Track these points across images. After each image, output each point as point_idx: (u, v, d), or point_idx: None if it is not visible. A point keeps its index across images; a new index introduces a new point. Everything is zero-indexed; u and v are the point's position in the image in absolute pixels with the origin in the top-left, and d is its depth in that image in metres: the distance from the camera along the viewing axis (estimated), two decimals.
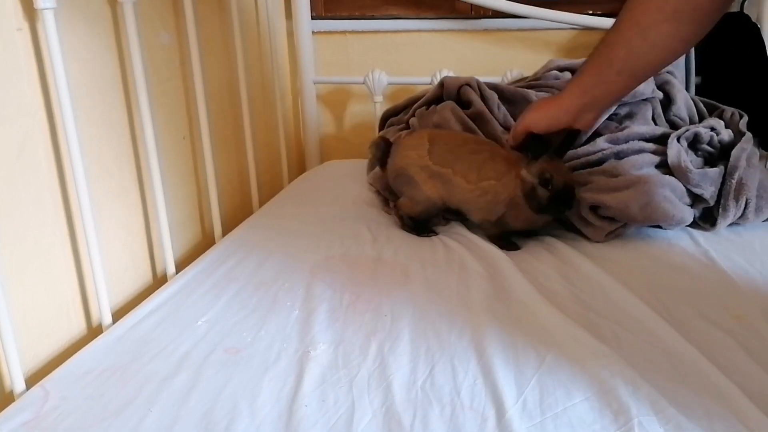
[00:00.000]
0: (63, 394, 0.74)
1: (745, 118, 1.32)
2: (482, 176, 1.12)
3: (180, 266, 1.12)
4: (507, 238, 1.13)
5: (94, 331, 0.98)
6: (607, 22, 1.58)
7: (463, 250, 1.10)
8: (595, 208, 1.14)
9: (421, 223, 1.20)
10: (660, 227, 1.16)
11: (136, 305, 0.96)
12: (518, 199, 1.08)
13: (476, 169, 1.12)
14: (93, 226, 0.92)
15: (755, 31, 1.48)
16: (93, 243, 0.92)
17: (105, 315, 0.95)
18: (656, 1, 0.89)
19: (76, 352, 0.84)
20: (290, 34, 1.77)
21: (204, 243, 1.31)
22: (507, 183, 1.09)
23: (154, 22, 1.13)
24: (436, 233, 1.18)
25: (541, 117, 1.06)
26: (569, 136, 1.08)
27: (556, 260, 1.07)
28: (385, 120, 1.58)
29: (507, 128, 1.44)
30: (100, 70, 1.00)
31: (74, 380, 0.77)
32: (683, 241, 1.13)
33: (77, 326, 0.97)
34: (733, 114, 1.35)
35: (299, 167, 1.87)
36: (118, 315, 0.96)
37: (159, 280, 1.15)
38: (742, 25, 1.49)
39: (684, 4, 0.88)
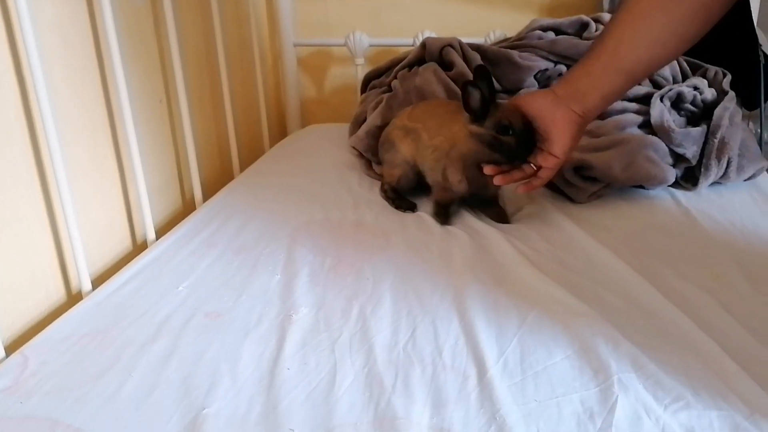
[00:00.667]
0: (42, 359, 0.74)
1: (728, 77, 1.32)
2: (438, 132, 1.08)
3: (160, 232, 1.10)
4: (446, 213, 1.09)
5: (73, 298, 0.97)
6: None
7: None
8: (578, 169, 1.13)
9: (402, 197, 1.16)
10: (642, 187, 1.16)
11: (116, 272, 0.95)
12: (457, 155, 1.04)
13: (438, 125, 1.09)
14: (69, 192, 0.90)
15: None
16: (69, 209, 0.91)
17: (84, 281, 0.94)
18: None
19: (55, 319, 0.83)
20: None
21: (184, 209, 1.30)
22: (450, 138, 1.06)
23: None
24: (414, 210, 1.14)
25: (528, 99, 0.99)
26: (481, 74, 0.99)
27: (539, 222, 1.07)
28: (367, 82, 1.56)
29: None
30: (71, 33, 0.97)
31: (53, 346, 0.76)
32: (665, 201, 1.14)
33: (56, 293, 0.95)
34: (716, 73, 1.34)
35: (280, 131, 1.85)
36: (97, 282, 0.95)
37: (139, 247, 1.13)
38: None
39: None
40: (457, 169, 1.05)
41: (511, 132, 0.96)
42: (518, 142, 0.96)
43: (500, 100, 1.00)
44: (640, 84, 1.33)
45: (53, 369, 0.72)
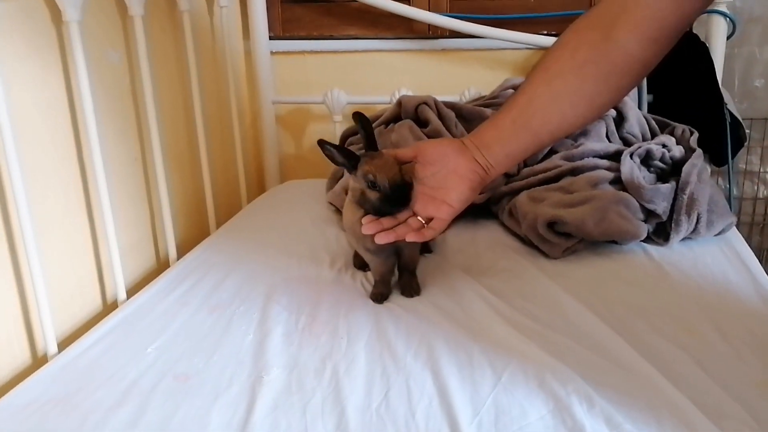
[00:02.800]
0: (3, 427, 0.71)
1: (696, 135, 1.35)
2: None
3: (132, 292, 1.09)
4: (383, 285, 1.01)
5: (39, 361, 0.94)
6: None
7: (419, 272, 1.09)
8: (551, 225, 1.15)
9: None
10: (615, 242, 1.17)
11: (85, 333, 0.93)
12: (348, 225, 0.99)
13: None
14: (36, 251, 0.89)
15: (704, 50, 1.52)
16: (36, 269, 0.89)
17: (50, 344, 0.92)
18: (569, 48, 0.83)
19: (19, 383, 0.81)
20: (248, 53, 1.76)
21: (158, 267, 1.28)
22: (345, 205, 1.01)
23: (102, 41, 1.11)
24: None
25: (433, 144, 0.95)
26: (362, 123, 0.95)
27: (513, 277, 1.07)
28: (345, 139, 1.58)
29: None
30: (44, 91, 0.97)
31: (15, 412, 0.74)
32: (638, 256, 1.15)
33: (21, 357, 0.93)
34: (684, 131, 1.38)
35: (259, 187, 1.85)
36: (65, 344, 0.92)
37: (109, 307, 1.11)
38: (692, 44, 1.53)
39: (595, 56, 0.80)
40: (348, 233, 1.01)
41: (377, 187, 0.89)
42: (382, 198, 0.89)
43: (386, 150, 0.93)
44: (610, 141, 1.36)
45: None
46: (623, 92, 0.86)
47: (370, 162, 0.90)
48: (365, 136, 0.95)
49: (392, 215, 0.90)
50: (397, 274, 1.04)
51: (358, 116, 0.96)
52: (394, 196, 0.89)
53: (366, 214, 0.93)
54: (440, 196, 0.89)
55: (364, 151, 0.94)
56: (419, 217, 0.90)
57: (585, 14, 0.83)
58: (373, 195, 0.90)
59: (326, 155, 0.91)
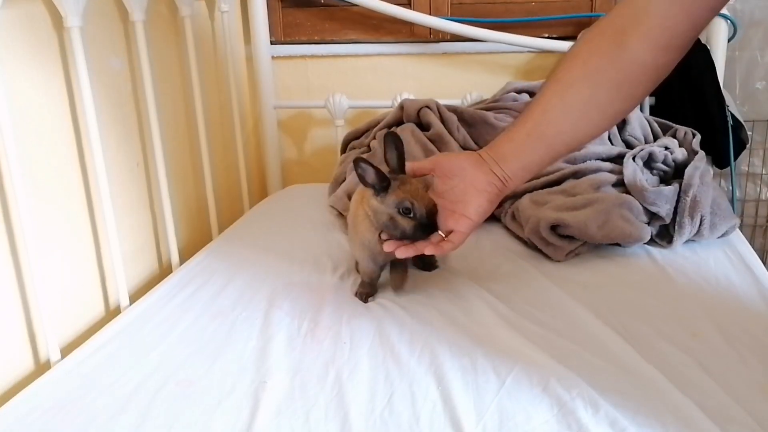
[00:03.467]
0: None
1: (698, 137, 1.35)
2: (353, 210, 1.02)
3: (134, 298, 1.09)
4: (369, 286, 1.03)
5: (42, 368, 0.94)
6: (562, 45, 1.61)
7: (422, 275, 1.09)
8: (554, 228, 1.14)
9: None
10: (619, 245, 1.17)
11: (88, 339, 0.93)
12: (359, 241, 0.99)
13: (355, 201, 1.02)
14: (37, 257, 0.89)
15: (705, 52, 1.52)
16: (38, 276, 0.89)
17: (53, 350, 0.92)
18: (581, 57, 0.83)
19: (22, 389, 0.81)
20: (249, 59, 1.76)
21: (161, 273, 1.28)
22: (352, 219, 1.01)
23: (104, 47, 1.11)
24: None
25: (452, 157, 0.95)
26: (395, 143, 0.94)
27: (516, 280, 1.06)
28: (347, 143, 1.58)
29: (466, 149, 1.45)
30: (46, 97, 0.97)
31: (17, 419, 0.74)
32: (641, 258, 1.14)
33: (24, 363, 0.93)
34: (686, 133, 1.38)
35: (261, 192, 1.85)
36: (67, 350, 0.92)
37: (112, 313, 1.11)
38: (693, 46, 1.52)
39: (607, 64, 0.80)
40: (360, 249, 1.00)
41: (411, 215, 0.89)
42: (416, 226, 0.90)
43: (405, 176, 0.93)
44: (612, 144, 1.36)
45: None
46: (636, 101, 0.86)
47: (403, 188, 0.90)
48: (396, 157, 0.93)
49: (417, 239, 0.91)
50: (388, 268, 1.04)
51: (390, 136, 0.94)
52: (429, 224, 0.90)
53: (390, 236, 0.93)
54: (459, 210, 0.90)
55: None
56: (440, 232, 0.91)
57: (596, 23, 0.83)
58: (406, 222, 0.90)
59: (357, 173, 0.90)
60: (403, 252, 0.91)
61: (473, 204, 0.89)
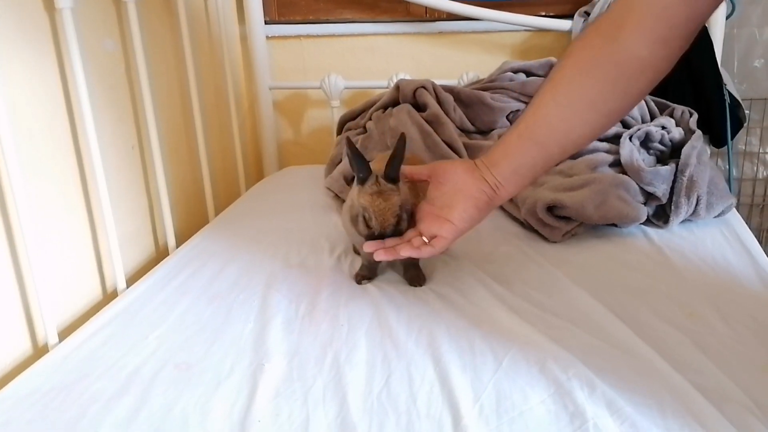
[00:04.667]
0: (5, 418, 0.71)
1: (695, 116, 1.34)
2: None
3: (131, 281, 1.08)
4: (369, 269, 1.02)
5: (40, 351, 0.94)
6: (559, 24, 1.60)
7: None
8: (551, 209, 1.14)
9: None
10: (615, 225, 1.17)
11: (85, 322, 0.93)
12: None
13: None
14: (35, 242, 0.89)
15: (703, 31, 1.51)
16: (35, 259, 0.89)
17: (50, 334, 0.92)
18: (575, 54, 0.79)
19: (20, 373, 0.81)
20: (244, 39, 1.74)
21: (157, 256, 1.28)
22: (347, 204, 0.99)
23: (97, 29, 1.09)
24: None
25: (445, 164, 0.92)
26: (397, 147, 0.90)
27: (513, 262, 1.07)
28: (343, 124, 1.57)
29: (463, 130, 1.44)
30: (38, 79, 0.96)
31: (16, 403, 0.74)
32: (638, 239, 1.15)
33: (22, 347, 0.93)
34: (683, 112, 1.37)
35: (257, 174, 1.85)
36: (65, 333, 0.92)
37: (109, 296, 1.11)
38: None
39: (599, 59, 0.77)
40: (350, 232, 0.98)
41: (367, 225, 0.89)
42: (369, 236, 0.89)
43: (385, 186, 0.89)
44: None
45: (16, 428, 0.69)
46: (633, 98, 0.81)
47: (375, 197, 0.88)
48: (392, 158, 0.90)
49: (375, 239, 0.89)
50: (402, 269, 1.03)
51: (400, 139, 0.91)
52: (380, 238, 0.89)
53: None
54: (444, 215, 0.87)
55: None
56: (423, 237, 0.88)
57: (592, 21, 0.80)
58: (363, 229, 0.90)
59: (347, 154, 0.90)
60: (382, 255, 0.87)
61: (458, 209, 0.86)
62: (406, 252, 0.86)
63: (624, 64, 0.76)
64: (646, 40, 0.74)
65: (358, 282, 1.00)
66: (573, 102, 0.80)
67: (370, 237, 0.90)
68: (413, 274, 1.01)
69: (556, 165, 0.89)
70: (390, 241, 0.89)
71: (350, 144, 0.89)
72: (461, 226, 0.86)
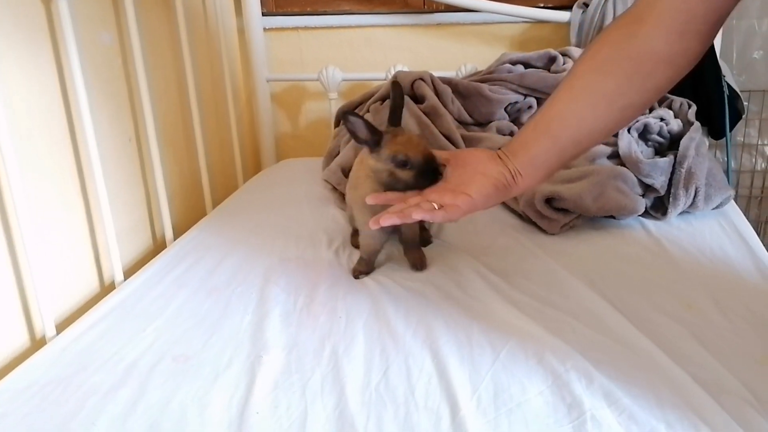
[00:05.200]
0: (1, 410, 0.71)
1: (694, 108, 1.34)
2: (353, 174, 1.03)
3: (129, 273, 1.08)
4: (367, 264, 1.02)
5: (37, 344, 0.94)
6: (558, 15, 1.59)
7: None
8: (549, 201, 1.14)
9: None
10: (613, 217, 1.17)
11: (83, 315, 0.93)
12: (360, 199, 0.96)
13: (356, 165, 1.04)
14: (32, 235, 0.88)
15: None
16: (33, 252, 0.89)
17: (48, 326, 0.92)
18: (594, 49, 0.79)
19: (18, 366, 0.81)
20: (241, 31, 1.73)
21: (155, 248, 1.28)
22: (353, 180, 1.00)
23: (93, 21, 1.09)
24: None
25: (469, 150, 0.93)
26: (394, 96, 0.92)
27: (511, 254, 1.06)
28: (341, 116, 1.57)
29: (461, 122, 1.44)
30: (35, 72, 0.96)
31: (14, 396, 0.74)
32: (636, 230, 1.15)
33: (19, 339, 0.93)
34: (681, 104, 1.37)
35: (255, 167, 1.84)
36: (63, 326, 0.92)
37: (106, 289, 1.11)
38: None
39: (617, 54, 0.76)
40: (362, 211, 0.98)
41: (409, 166, 0.88)
42: (416, 176, 0.88)
43: (398, 128, 0.92)
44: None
45: (13, 421, 0.69)
46: (650, 94, 0.80)
47: (395, 141, 0.88)
48: (393, 108, 0.91)
49: (422, 188, 0.87)
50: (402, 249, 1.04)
51: (394, 86, 0.92)
52: (428, 170, 0.87)
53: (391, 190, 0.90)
54: (461, 189, 0.85)
55: (386, 126, 0.92)
56: (434, 204, 0.85)
57: (614, 18, 0.79)
58: (405, 174, 0.88)
59: (348, 129, 0.88)
60: (388, 219, 0.83)
61: (476, 185, 0.85)
62: (418, 215, 0.83)
63: (640, 58, 0.76)
64: (663, 33, 0.74)
65: (356, 277, 1.00)
66: (588, 96, 0.80)
67: (417, 177, 0.88)
68: (416, 256, 1.01)
69: (573, 159, 0.88)
70: (397, 206, 0.86)
71: (356, 114, 0.87)
72: (477, 199, 0.85)
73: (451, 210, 0.84)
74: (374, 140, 0.89)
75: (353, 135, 0.89)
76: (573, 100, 0.80)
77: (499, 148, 0.88)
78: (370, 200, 0.89)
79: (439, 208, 0.84)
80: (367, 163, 0.93)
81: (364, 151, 0.93)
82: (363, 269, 1.01)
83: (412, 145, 0.88)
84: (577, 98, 0.80)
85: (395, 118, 0.93)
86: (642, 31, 0.74)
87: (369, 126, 0.88)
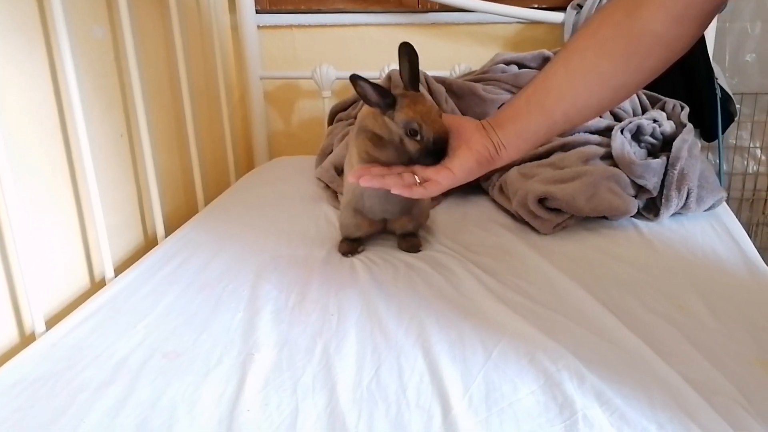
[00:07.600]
0: None
1: (686, 110, 1.35)
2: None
3: (119, 270, 1.08)
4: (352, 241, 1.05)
5: (27, 340, 0.93)
6: (552, 16, 1.60)
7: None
8: (542, 201, 1.14)
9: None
10: (606, 218, 1.17)
11: (72, 311, 0.92)
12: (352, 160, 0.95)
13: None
14: (21, 231, 0.88)
15: None
16: (22, 248, 0.88)
17: (38, 322, 0.91)
18: (592, 28, 0.80)
19: (6, 362, 0.80)
20: (234, 28, 1.73)
21: (146, 245, 1.27)
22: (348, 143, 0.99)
23: (86, 15, 1.08)
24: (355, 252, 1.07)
25: (458, 117, 0.92)
26: (408, 55, 0.89)
27: (504, 254, 1.06)
28: (334, 115, 1.57)
29: None
30: (26, 67, 0.95)
31: (2, 392, 0.73)
32: (628, 231, 1.15)
33: (9, 335, 0.92)
34: (674, 106, 1.37)
35: (247, 164, 1.84)
36: (52, 322, 0.91)
37: (97, 285, 1.10)
38: None
39: (617, 33, 0.77)
40: (349, 163, 0.95)
41: (419, 137, 0.85)
42: (421, 150, 0.86)
43: (418, 93, 0.89)
44: (600, 117, 1.35)
45: (2, 417, 0.68)
46: (645, 75, 0.80)
47: (413, 107, 0.86)
48: (408, 69, 0.88)
49: (424, 164, 0.87)
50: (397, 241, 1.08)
51: (404, 47, 0.89)
52: (435, 150, 0.85)
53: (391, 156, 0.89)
54: (445, 162, 0.86)
55: (402, 89, 0.89)
56: (417, 177, 0.86)
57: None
58: (412, 145, 0.86)
59: (358, 92, 0.85)
60: (368, 181, 0.85)
61: (459, 159, 0.85)
62: (396, 188, 0.84)
63: (638, 38, 0.76)
64: (662, 17, 0.74)
65: (344, 254, 1.03)
66: (584, 73, 0.80)
67: (422, 154, 0.86)
68: (410, 242, 1.04)
69: (560, 135, 0.89)
70: (378, 170, 0.87)
71: (363, 78, 0.84)
72: (459, 175, 0.85)
73: (431, 186, 0.85)
74: (386, 103, 0.87)
75: (365, 99, 0.87)
76: (568, 77, 0.81)
77: (485, 119, 0.88)
78: (351, 178, 0.88)
79: (420, 183, 0.85)
80: (382, 121, 0.89)
81: (377, 110, 0.90)
82: (345, 249, 1.05)
83: (430, 118, 0.86)
84: (573, 75, 0.80)
85: (414, 81, 0.89)
86: (642, 13, 0.75)
87: (378, 88, 0.85)
